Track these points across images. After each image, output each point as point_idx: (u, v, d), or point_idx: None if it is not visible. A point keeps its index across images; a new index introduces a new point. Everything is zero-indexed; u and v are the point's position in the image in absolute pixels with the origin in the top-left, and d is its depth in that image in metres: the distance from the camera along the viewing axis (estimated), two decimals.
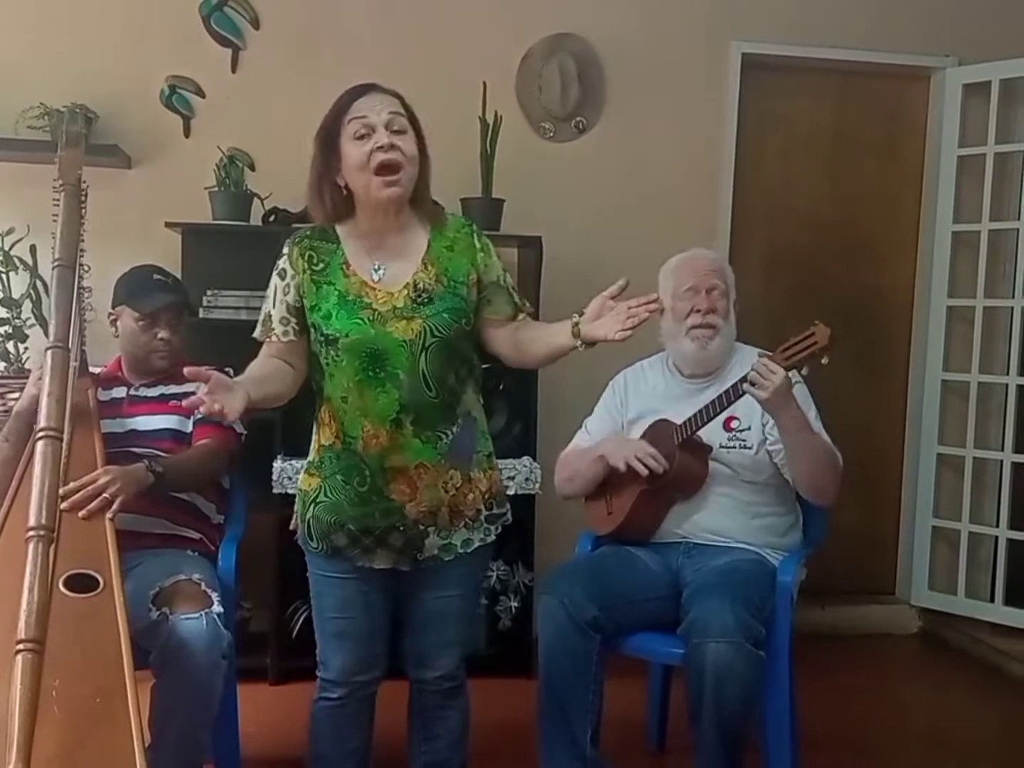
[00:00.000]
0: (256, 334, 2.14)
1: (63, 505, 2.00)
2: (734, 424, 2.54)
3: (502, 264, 2.17)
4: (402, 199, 2.04)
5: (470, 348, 2.13)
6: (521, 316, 2.17)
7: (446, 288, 2.05)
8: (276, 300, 2.10)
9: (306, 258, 2.08)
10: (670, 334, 2.66)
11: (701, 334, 2.59)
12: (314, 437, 2.17)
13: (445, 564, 2.12)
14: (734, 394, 2.41)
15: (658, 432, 2.59)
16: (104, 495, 2.07)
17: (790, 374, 2.33)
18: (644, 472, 2.48)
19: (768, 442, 2.53)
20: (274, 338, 2.10)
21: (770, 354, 2.33)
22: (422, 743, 2.27)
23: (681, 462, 2.51)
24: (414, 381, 2.01)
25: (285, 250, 2.11)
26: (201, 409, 1.89)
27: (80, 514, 2.02)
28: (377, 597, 2.15)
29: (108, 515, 2.05)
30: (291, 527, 2.21)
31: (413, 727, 2.29)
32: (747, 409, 2.50)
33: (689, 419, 2.51)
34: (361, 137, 1.99)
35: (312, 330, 2.07)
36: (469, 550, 2.13)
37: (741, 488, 2.56)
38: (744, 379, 2.35)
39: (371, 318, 2.01)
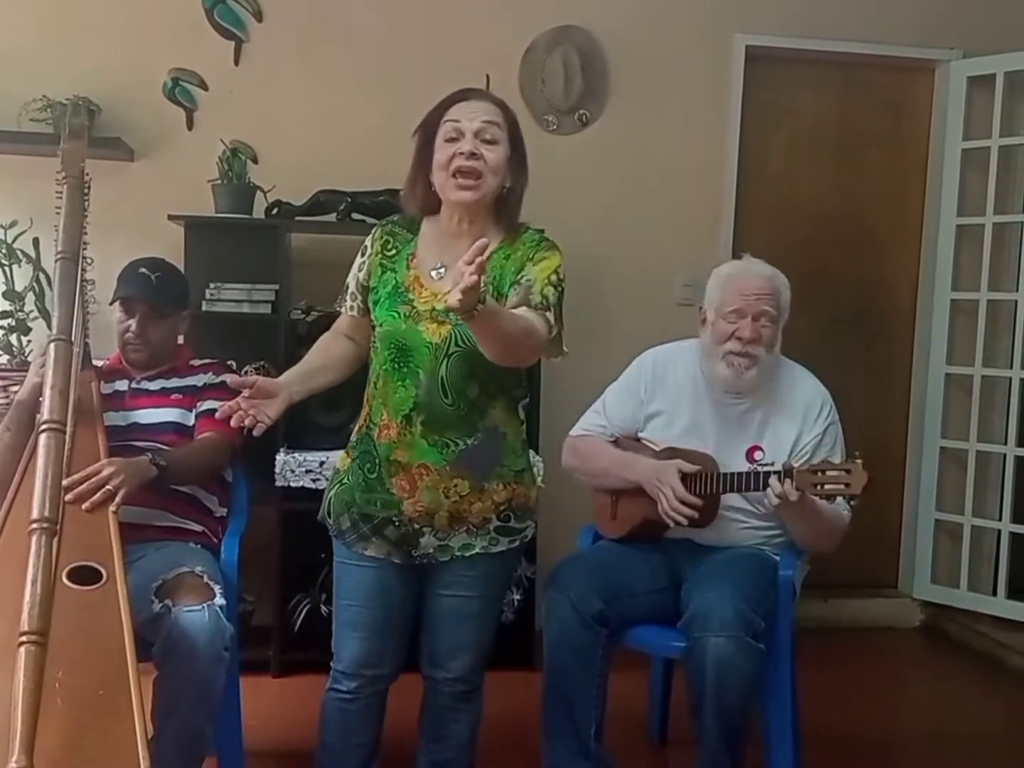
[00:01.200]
0: (336, 302, 2.25)
1: (67, 497, 2.01)
2: (757, 456, 2.47)
3: (552, 277, 2.02)
4: (474, 205, 2.03)
5: (503, 367, 2.03)
6: (523, 309, 1.99)
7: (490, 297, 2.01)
8: (352, 274, 2.20)
9: (383, 242, 2.15)
10: (706, 351, 2.54)
11: (738, 362, 2.45)
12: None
13: (454, 563, 2.11)
14: (755, 484, 2.37)
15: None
16: (107, 487, 2.08)
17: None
18: (678, 523, 2.41)
19: None
20: (345, 310, 2.21)
21: (796, 468, 2.28)
22: (430, 742, 2.27)
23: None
24: (432, 384, 2.01)
25: (374, 229, 2.19)
26: (232, 421, 1.92)
27: (84, 506, 2.03)
28: (396, 590, 2.14)
29: (111, 508, 2.06)
30: None
31: (423, 723, 2.28)
32: (772, 442, 2.48)
33: (714, 478, 2.41)
34: (450, 140, 2.02)
35: (371, 312, 2.13)
36: (467, 555, 2.10)
37: (752, 516, 2.52)
38: (769, 477, 2.32)
39: (407, 313, 2.04)
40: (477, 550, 2.11)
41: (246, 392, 1.94)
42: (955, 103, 3.98)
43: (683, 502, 2.37)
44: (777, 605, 2.41)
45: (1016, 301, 3.91)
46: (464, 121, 2.02)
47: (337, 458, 2.26)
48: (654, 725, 2.95)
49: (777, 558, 2.52)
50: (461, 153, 1.99)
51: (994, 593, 3.95)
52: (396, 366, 2.04)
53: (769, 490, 2.31)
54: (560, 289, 2.04)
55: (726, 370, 2.47)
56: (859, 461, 2.23)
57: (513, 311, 1.93)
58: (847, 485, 2.22)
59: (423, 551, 2.10)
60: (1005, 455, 3.95)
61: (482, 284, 1.71)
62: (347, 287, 2.20)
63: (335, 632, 2.21)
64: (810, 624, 3.71)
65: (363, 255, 2.18)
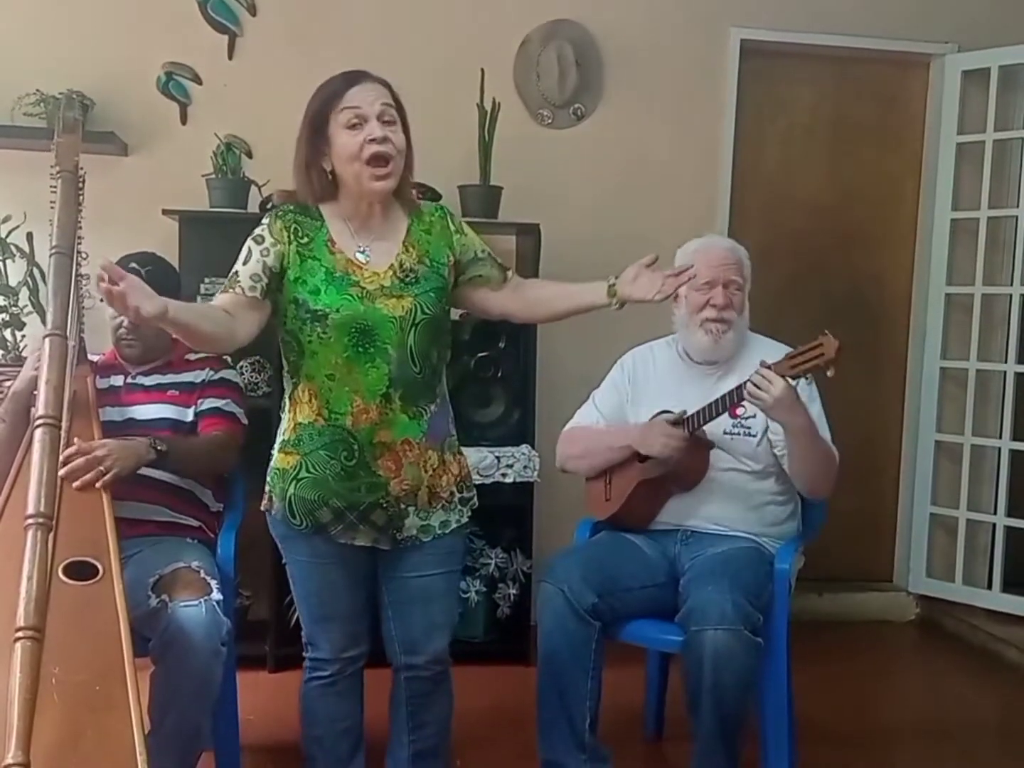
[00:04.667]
0: (223, 288, 2.09)
1: (61, 472, 2.02)
2: (740, 411, 2.53)
3: (479, 237, 2.23)
4: (392, 191, 2.07)
5: (448, 330, 2.19)
6: (510, 274, 2.25)
7: (429, 268, 2.11)
8: (250, 259, 2.05)
9: (291, 230, 2.08)
10: (683, 323, 2.66)
11: (714, 328, 2.58)
12: (286, 416, 2.16)
13: (423, 544, 2.15)
14: (737, 396, 2.41)
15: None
16: (100, 468, 2.09)
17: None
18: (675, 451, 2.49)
19: (770, 430, 2.52)
20: (237, 290, 2.04)
21: (771, 364, 2.32)
22: (409, 732, 2.26)
23: (681, 458, 2.50)
24: (402, 356, 2.05)
25: (265, 221, 2.11)
26: (103, 291, 1.75)
27: (74, 485, 2.04)
28: (358, 577, 2.19)
29: (97, 484, 2.07)
30: (263, 507, 2.20)
31: (397, 718, 2.28)
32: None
33: (691, 416, 2.49)
34: (353, 127, 2.00)
35: (294, 306, 2.05)
36: (447, 531, 2.17)
37: (742, 476, 2.56)
38: (745, 384, 2.35)
39: (360, 295, 2.04)
40: (453, 525, 2.18)
41: (122, 285, 1.75)
42: (950, 97, 3.98)
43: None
44: (773, 599, 2.42)
45: (1011, 295, 3.91)
46: (365, 107, 2.00)
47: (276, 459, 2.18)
48: (650, 719, 2.95)
49: (773, 551, 2.53)
50: (374, 139, 1.98)
51: (989, 587, 3.96)
52: (361, 349, 2.03)
53: (750, 384, 2.33)
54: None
55: (704, 337, 2.60)
56: (827, 333, 2.27)
57: (548, 284, 2.33)
58: (822, 355, 2.26)
59: (407, 533, 2.13)
60: (1000, 449, 3.95)
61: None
62: (236, 274, 2.05)
63: (306, 627, 2.24)
64: (805, 618, 3.70)
65: (260, 243, 2.06)
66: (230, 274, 2.08)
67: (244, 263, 2.07)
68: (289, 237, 2.07)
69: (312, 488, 2.10)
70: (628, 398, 2.72)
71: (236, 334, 2.03)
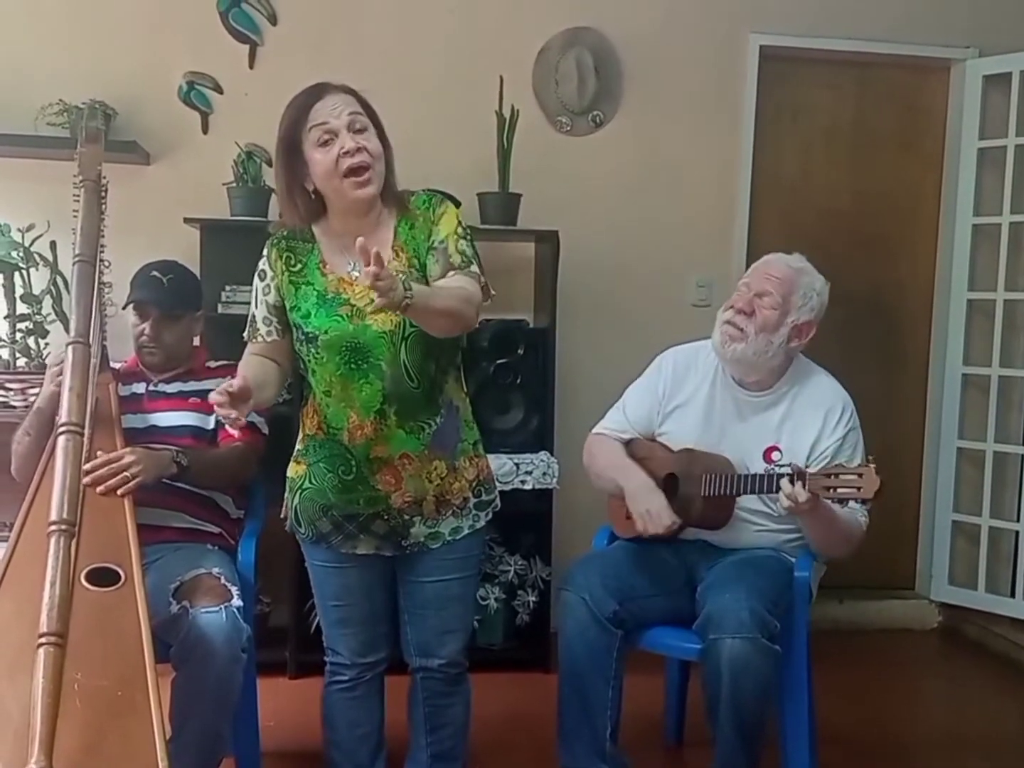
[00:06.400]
0: (244, 335, 2.19)
1: (85, 480, 2.04)
2: (774, 456, 2.46)
3: (459, 230, 2.07)
4: (375, 198, 2.05)
5: (451, 339, 2.12)
6: (452, 274, 2.04)
7: (418, 271, 2.06)
8: (258, 301, 2.15)
9: (284, 259, 2.11)
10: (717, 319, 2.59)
11: (726, 330, 2.50)
12: (301, 426, 2.21)
13: (437, 549, 2.15)
14: (770, 487, 2.35)
15: (690, 465, 2.50)
16: (125, 474, 2.11)
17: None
18: (645, 535, 2.43)
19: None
20: (259, 339, 2.16)
21: (806, 471, 2.26)
22: (427, 734, 2.28)
23: (707, 507, 2.46)
24: (396, 372, 2.04)
25: (264, 251, 2.15)
26: (218, 411, 1.89)
27: (99, 489, 2.06)
28: (376, 581, 2.20)
29: (119, 491, 2.09)
30: (281, 515, 2.25)
31: (415, 719, 2.30)
32: (790, 443, 2.47)
33: (728, 479, 2.42)
34: (325, 143, 1.99)
35: (294, 329, 2.10)
36: (458, 537, 2.16)
37: (767, 519, 2.51)
38: (780, 479, 2.29)
39: (349, 314, 2.04)
40: (466, 531, 2.16)
41: (231, 386, 1.86)
42: (971, 102, 3.96)
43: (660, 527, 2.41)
44: (793, 606, 2.41)
45: None
46: (332, 120, 2.00)
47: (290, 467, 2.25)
48: (670, 727, 2.94)
49: (793, 560, 2.51)
50: (346, 152, 1.97)
51: (1012, 595, 3.93)
52: (354, 367, 2.04)
53: (780, 493, 2.29)
54: (469, 237, 2.09)
55: (718, 337, 2.53)
56: (872, 466, 2.21)
57: (443, 284, 1.99)
58: (858, 489, 2.20)
59: (414, 540, 2.13)
60: (1023, 455, 3.93)
61: (394, 272, 1.82)
62: (253, 318, 2.16)
63: (325, 631, 2.27)
64: (826, 626, 3.70)
65: (263, 279, 2.14)
66: (250, 317, 2.17)
67: (256, 306, 2.15)
68: (282, 267, 2.11)
69: (313, 499, 2.14)
70: (660, 409, 2.62)
71: (286, 371, 2.18)
